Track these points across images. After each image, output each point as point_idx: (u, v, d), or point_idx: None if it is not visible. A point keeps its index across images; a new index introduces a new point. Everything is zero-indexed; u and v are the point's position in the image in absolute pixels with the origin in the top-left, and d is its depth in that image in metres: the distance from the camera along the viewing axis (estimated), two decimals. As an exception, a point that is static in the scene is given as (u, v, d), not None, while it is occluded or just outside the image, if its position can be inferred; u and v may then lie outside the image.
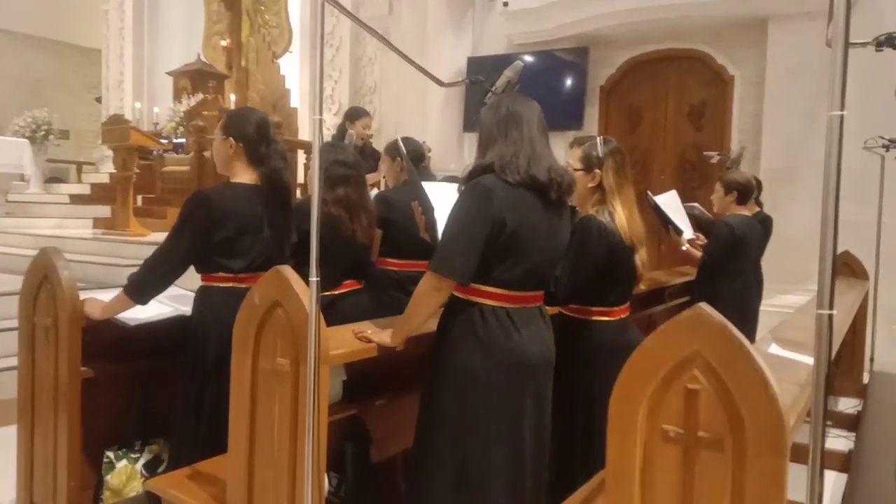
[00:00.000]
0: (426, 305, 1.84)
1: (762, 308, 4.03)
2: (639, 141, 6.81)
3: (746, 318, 3.76)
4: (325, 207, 2.29)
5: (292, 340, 1.69)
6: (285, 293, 1.70)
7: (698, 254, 3.74)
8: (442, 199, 2.07)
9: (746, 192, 3.81)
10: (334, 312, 2.28)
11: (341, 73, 7.78)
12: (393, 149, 3.24)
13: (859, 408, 3.98)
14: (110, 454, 2.36)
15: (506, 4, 7.08)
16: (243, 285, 2.22)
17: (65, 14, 11.37)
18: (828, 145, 1.11)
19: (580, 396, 2.22)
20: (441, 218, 1.96)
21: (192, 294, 2.36)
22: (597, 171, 2.24)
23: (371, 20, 7.02)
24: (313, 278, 1.56)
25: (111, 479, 2.33)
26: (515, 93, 2.11)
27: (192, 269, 2.30)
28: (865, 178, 4.60)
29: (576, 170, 2.23)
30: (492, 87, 2.44)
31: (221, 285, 2.26)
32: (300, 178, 6.47)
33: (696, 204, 4.30)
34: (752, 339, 3.39)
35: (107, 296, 2.30)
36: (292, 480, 1.70)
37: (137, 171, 6.29)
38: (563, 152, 2.31)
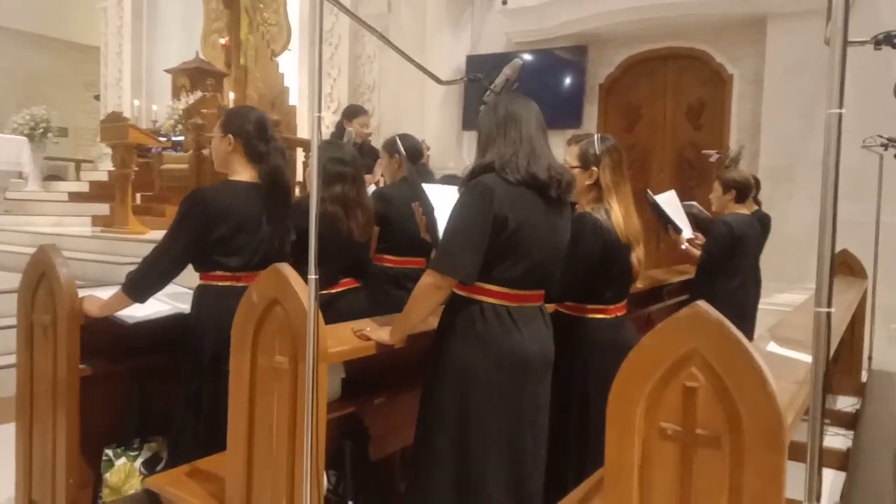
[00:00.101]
0: (426, 303, 1.85)
1: (760, 306, 4.04)
2: (637, 139, 6.81)
3: (745, 317, 3.76)
4: (322, 205, 2.29)
5: (291, 338, 1.69)
6: (284, 291, 1.70)
7: (697, 252, 3.75)
8: (442, 200, 2.07)
9: (745, 190, 3.81)
10: (332, 311, 2.28)
11: (340, 71, 7.78)
12: (391, 145, 3.24)
13: (857, 406, 3.98)
14: (109, 452, 2.36)
15: (505, 3, 7.08)
16: (241, 283, 2.22)
17: (63, 11, 11.35)
18: (826, 143, 1.11)
19: (575, 394, 2.22)
20: (441, 219, 1.96)
21: (191, 292, 2.36)
22: (593, 168, 2.24)
23: (370, 18, 7.01)
24: (312, 276, 1.56)
25: (110, 476, 2.33)
26: (513, 93, 2.11)
27: (190, 266, 2.29)
28: (864, 176, 4.61)
29: (573, 167, 2.23)
30: (490, 86, 2.44)
31: (219, 283, 2.26)
32: (299, 176, 6.47)
33: (694, 202, 4.30)
34: (750, 337, 3.39)
35: (105, 293, 2.30)
36: (291, 478, 1.70)
37: (136, 168, 6.29)
38: (561, 151, 2.31)
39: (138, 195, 6.92)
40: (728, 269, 3.69)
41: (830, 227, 1.12)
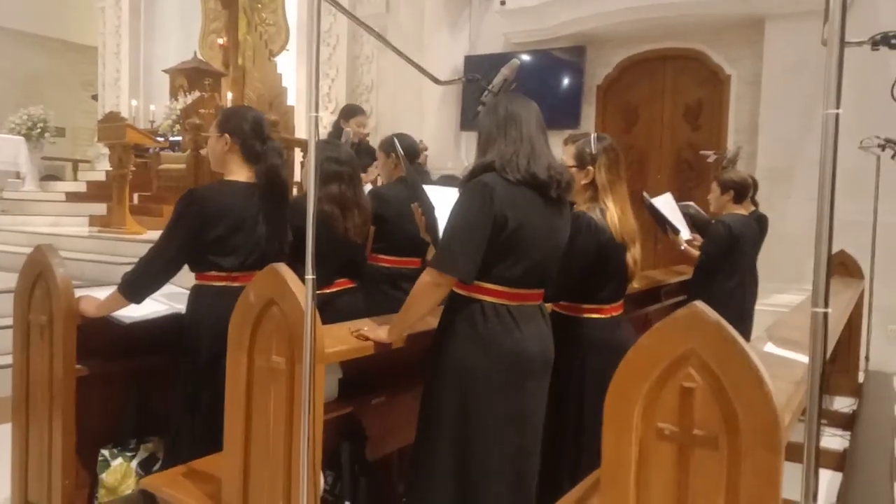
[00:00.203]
0: (425, 301, 1.85)
1: (757, 307, 4.04)
2: (635, 140, 6.81)
3: (742, 317, 3.77)
4: (317, 205, 2.28)
5: (288, 338, 1.69)
6: (281, 291, 1.69)
7: (696, 253, 3.75)
8: (442, 201, 2.07)
9: (743, 191, 3.82)
10: (328, 311, 2.27)
11: (338, 72, 7.77)
12: (387, 145, 3.23)
13: (854, 407, 3.99)
14: (105, 452, 2.36)
15: (503, 3, 7.08)
16: (237, 284, 2.21)
17: (61, 11, 11.34)
18: (823, 143, 1.11)
19: (570, 394, 2.22)
20: (441, 219, 1.96)
21: (188, 292, 2.35)
22: (590, 167, 2.24)
23: (368, 18, 7.01)
24: (309, 276, 1.55)
25: (106, 477, 2.33)
26: (513, 93, 2.12)
27: (187, 266, 2.29)
28: (861, 177, 4.62)
29: (569, 167, 2.23)
30: (488, 86, 2.44)
31: (215, 284, 2.25)
32: (297, 176, 6.47)
33: (691, 203, 4.31)
34: (747, 337, 3.40)
35: (103, 293, 2.30)
36: (287, 478, 1.70)
37: (133, 168, 6.29)
38: (560, 151, 2.31)
39: (136, 195, 6.91)
40: (726, 269, 3.69)
41: (828, 228, 1.12)
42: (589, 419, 2.18)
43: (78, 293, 2.29)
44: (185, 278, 2.33)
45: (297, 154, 6.79)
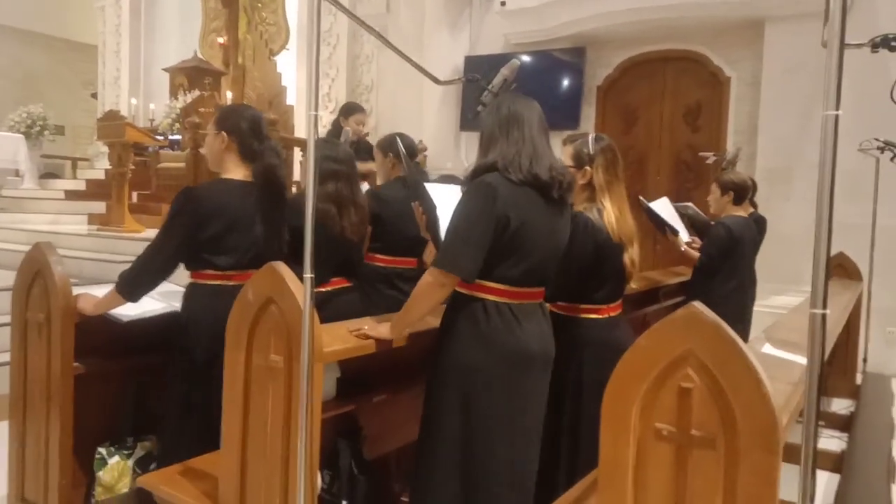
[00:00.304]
0: (428, 300, 1.86)
1: (756, 308, 4.04)
2: (635, 141, 6.81)
3: (740, 318, 3.77)
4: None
5: (286, 337, 1.68)
6: (279, 290, 1.69)
7: (696, 254, 3.75)
8: (444, 200, 2.07)
9: (742, 192, 3.82)
10: (324, 310, 2.27)
11: (338, 71, 7.77)
12: (386, 144, 3.22)
13: (852, 409, 3.99)
14: (102, 450, 2.35)
15: (503, 3, 7.08)
16: (232, 282, 2.21)
17: (61, 9, 11.33)
18: (823, 145, 1.11)
19: (567, 394, 2.22)
20: (442, 218, 1.97)
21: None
22: (587, 168, 2.24)
23: (368, 18, 7.00)
24: (307, 275, 1.55)
25: (103, 475, 2.32)
26: (516, 93, 2.12)
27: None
28: (860, 179, 4.62)
29: (567, 167, 2.23)
30: (488, 86, 2.44)
31: (210, 283, 2.24)
32: (297, 176, 6.46)
33: (690, 204, 4.31)
34: (745, 338, 3.40)
35: (101, 291, 2.30)
36: (285, 477, 1.70)
37: (133, 167, 6.27)
38: (560, 151, 2.31)
39: (135, 194, 6.90)
40: (725, 270, 3.69)
41: (826, 230, 1.12)
42: (586, 419, 2.18)
43: (76, 291, 2.28)
44: (183, 276, 2.33)
45: (297, 153, 6.79)
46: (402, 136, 3.22)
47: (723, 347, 1.16)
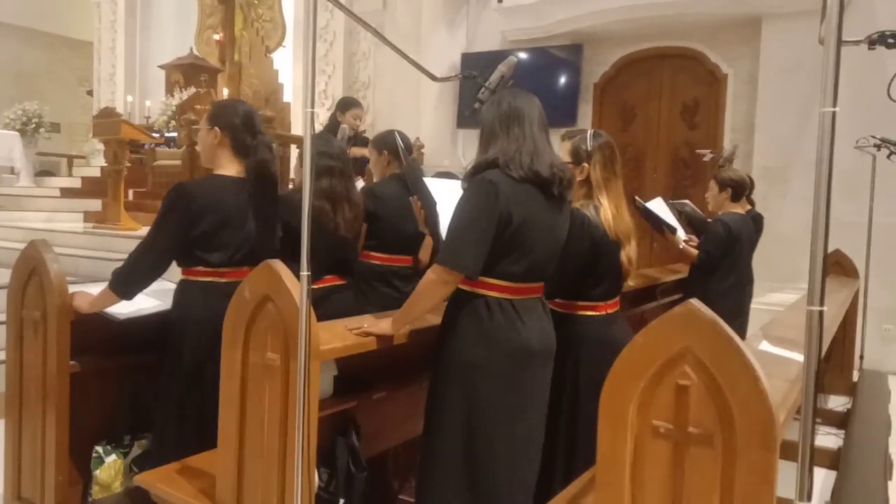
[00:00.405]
0: (431, 297, 1.87)
1: (753, 305, 4.05)
2: (632, 139, 6.81)
3: (738, 316, 3.78)
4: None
5: (283, 335, 1.68)
6: (276, 287, 1.69)
7: (694, 252, 3.75)
8: (443, 195, 2.07)
9: (740, 189, 3.83)
10: (318, 308, 2.26)
11: (335, 69, 7.76)
12: (380, 142, 3.20)
13: (849, 406, 4.00)
14: (99, 449, 2.34)
15: (500, 0, 7.07)
16: (223, 279, 2.20)
17: (57, 6, 11.29)
18: (820, 142, 1.11)
19: (564, 391, 2.22)
20: (442, 213, 1.97)
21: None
22: (585, 164, 2.24)
23: (365, 15, 6.98)
24: (304, 272, 1.55)
25: (100, 473, 2.32)
26: (516, 88, 2.12)
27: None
28: (857, 177, 4.63)
29: (565, 163, 2.23)
30: (485, 83, 2.43)
31: (201, 279, 2.22)
32: (293, 173, 6.45)
33: (687, 201, 4.31)
34: (742, 336, 3.40)
35: (97, 289, 2.29)
36: (282, 475, 1.69)
37: (129, 164, 6.26)
38: (558, 148, 2.31)
39: (131, 191, 6.88)
40: (722, 268, 3.70)
41: (823, 227, 1.12)
42: (583, 417, 2.18)
43: (72, 289, 2.27)
44: (179, 274, 2.32)
45: (294, 151, 6.78)
46: (398, 133, 3.21)
47: (720, 345, 1.16)
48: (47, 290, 2.23)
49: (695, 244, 3.82)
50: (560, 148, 2.31)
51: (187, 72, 8.16)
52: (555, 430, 2.22)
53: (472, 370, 1.86)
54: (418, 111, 7.24)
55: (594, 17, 6.47)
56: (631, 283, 2.47)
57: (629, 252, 2.26)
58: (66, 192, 7.54)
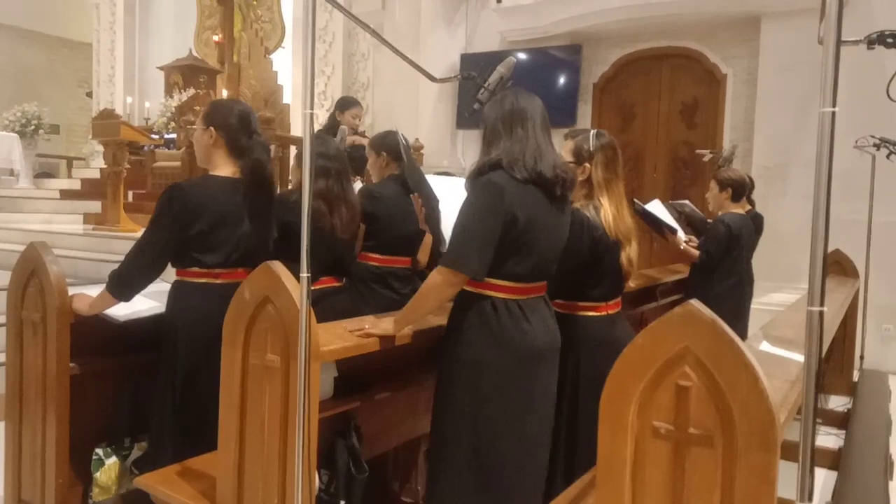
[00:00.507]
0: (436, 298, 1.87)
1: (753, 306, 4.05)
2: (631, 138, 6.82)
3: (738, 316, 3.77)
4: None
5: (283, 336, 1.68)
6: (276, 289, 1.69)
7: (695, 252, 3.75)
8: (446, 193, 2.06)
9: (740, 189, 3.83)
10: (316, 309, 2.25)
11: (334, 69, 7.76)
12: (378, 143, 3.19)
13: (849, 406, 4.00)
14: (99, 451, 2.34)
15: (499, 1, 7.07)
16: (218, 281, 2.19)
17: (56, 7, 11.29)
18: (819, 141, 1.11)
19: (565, 392, 2.22)
20: (445, 211, 1.97)
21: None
22: (586, 164, 2.24)
23: (364, 16, 6.98)
24: (304, 274, 1.55)
25: (100, 475, 2.31)
26: (518, 88, 2.11)
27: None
28: (857, 176, 4.63)
29: (567, 162, 2.23)
30: (484, 83, 2.44)
31: (195, 280, 2.21)
32: (290, 174, 6.45)
33: (686, 201, 4.31)
34: (743, 336, 3.40)
35: (96, 291, 2.28)
36: (282, 477, 1.69)
37: (128, 166, 6.26)
38: (560, 147, 2.31)
39: (130, 193, 6.89)
40: (723, 268, 3.70)
41: (823, 227, 1.12)
42: (584, 417, 2.18)
43: (72, 291, 2.27)
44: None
45: (293, 152, 6.78)
46: (389, 132, 3.19)
47: (720, 345, 1.16)
48: (47, 291, 2.23)
49: (695, 244, 3.82)
50: (562, 147, 2.30)
51: (186, 73, 8.17)
52: (555, 430, 2.22)
53: (479, 371, 1.86)
54: (417, 112, 7.24)
55: (593, 18, 6.47)
56: (631, 283, 2.46)
57: (630, 253, 2.26)
58: (66, 194, 7.54)
